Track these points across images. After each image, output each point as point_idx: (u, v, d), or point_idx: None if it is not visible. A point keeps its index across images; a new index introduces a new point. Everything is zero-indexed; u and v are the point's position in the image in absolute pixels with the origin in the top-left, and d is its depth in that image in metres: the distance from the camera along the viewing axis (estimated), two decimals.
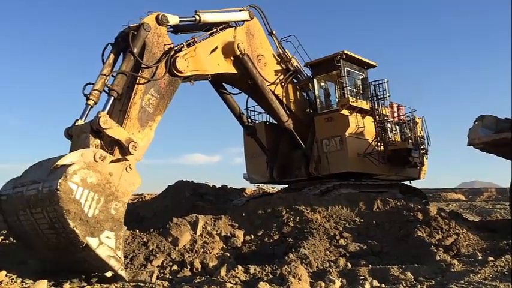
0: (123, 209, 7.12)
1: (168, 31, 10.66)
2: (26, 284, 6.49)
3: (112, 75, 8.82)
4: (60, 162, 6.69)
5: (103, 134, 7.65)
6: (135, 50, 8.70)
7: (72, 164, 6.51)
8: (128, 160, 7.61)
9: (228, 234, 9.26)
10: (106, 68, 8.88)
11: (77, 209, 6.33)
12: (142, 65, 8.81)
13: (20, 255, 8.73)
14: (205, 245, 8.62)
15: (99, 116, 7.62)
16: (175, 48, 9.69)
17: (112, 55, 9.06)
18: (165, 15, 9.36)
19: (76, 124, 8.21)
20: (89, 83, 8.65)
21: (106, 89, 8.61)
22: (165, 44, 9.37)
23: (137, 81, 8.68)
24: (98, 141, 7.71)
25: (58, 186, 6.15)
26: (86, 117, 8.46)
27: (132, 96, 8.55)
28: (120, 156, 7.81)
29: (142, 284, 6.53)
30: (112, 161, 7.50)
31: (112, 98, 8.35)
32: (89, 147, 7.44)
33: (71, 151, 7.66)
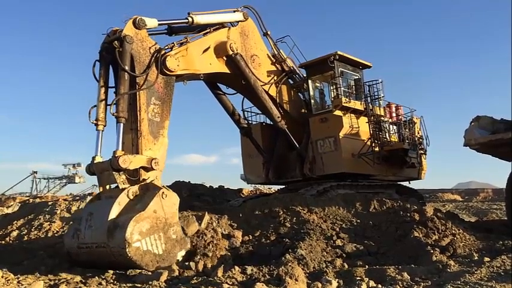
0: (179, 228, 8.05)
1: (162, 33, 10.68)
2: (22, 284, 6.46)
3: (110, 86, 9.05)
4: (109, 218, 7.45)
5: (124, 169, 8.16)
6: (127, 67, 8.76)
7: (124, 226, 7.20)
8: (161, 188, 8.06)
9: (229, 234, 9.25)
10: (102, 89, 9.03)
11: (150, 257, 7.37)
12: (137, 78, 8.92)
13: (15, 256, 8.69)
14: (211, 243, 8.57)
15: (117, 157, 8.05)
16: (165, 47, 9.70)
17: (103, 72, 9.14)
18: (142, 18, 9.29)
19: (95, 162, 8.60)
20: (94, 106, 8.86)
21: (109, 102, 8.87)
22: (150, 47, 9.37)
23: (137, 95, 8.84)
24: (123, 176, 8.25)
25: (129, 254, 7.05)
26: (100, 144, 8.81)
27: (138, 113, 8.78)
28: (147, 176, 8.47)
29: (139, 285, 6.51)
30: (141, 186, 8.19)
31: (121, 124, 8.55)
32: (116, 183, 8.19)
33: (99, 186, 8.62)
